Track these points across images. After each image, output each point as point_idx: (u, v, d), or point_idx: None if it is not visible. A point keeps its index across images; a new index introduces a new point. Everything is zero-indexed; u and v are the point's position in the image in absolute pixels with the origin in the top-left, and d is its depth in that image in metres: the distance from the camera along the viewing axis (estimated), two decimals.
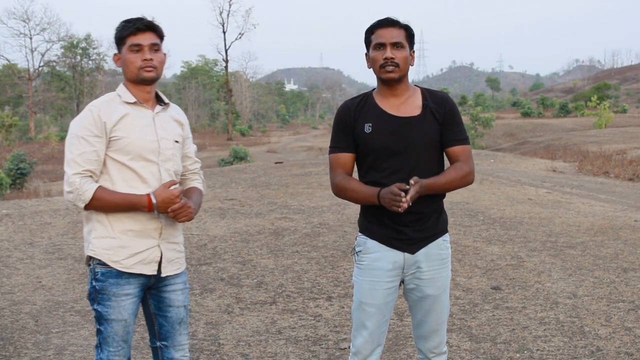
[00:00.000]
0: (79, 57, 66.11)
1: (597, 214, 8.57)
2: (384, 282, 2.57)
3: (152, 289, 2.59)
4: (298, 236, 7.08)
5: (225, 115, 64.99)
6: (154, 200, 2.43)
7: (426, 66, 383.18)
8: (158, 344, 2.65)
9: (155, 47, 2.50)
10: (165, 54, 2.58)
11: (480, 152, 22.07)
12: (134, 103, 2.51)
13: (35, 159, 24.16)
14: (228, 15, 57.15)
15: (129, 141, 2.45)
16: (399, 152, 2.51)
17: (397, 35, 2.51)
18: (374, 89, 2.66)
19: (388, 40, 2.50)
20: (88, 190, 2.39)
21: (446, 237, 2.64)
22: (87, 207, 2.42)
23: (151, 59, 2.47)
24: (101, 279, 2.46)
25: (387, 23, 2.53)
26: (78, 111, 63.93)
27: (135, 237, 2.48)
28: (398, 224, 2.53)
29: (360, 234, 2.67)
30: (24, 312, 4.69)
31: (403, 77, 2.55)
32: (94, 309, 2.50)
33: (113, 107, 2.47)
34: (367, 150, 2.55)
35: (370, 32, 2.56)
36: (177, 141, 2.61)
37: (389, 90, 2.57)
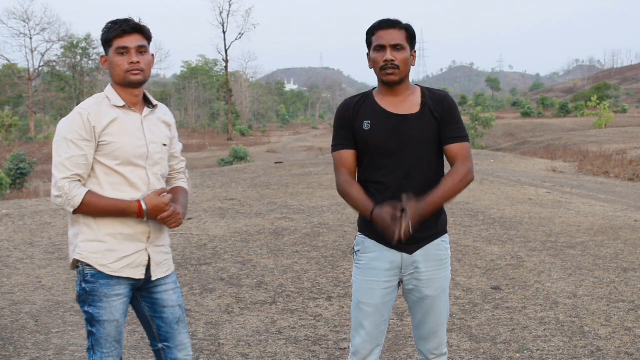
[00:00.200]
0: (79, 57, 66.10)
1: (597, 214, 8.57)
2: (381, 282, 2.57)
3: (142, 292, 2.57)
4: (298, 236, 7.08)
5: (225, 115, 65.00)
6: (144, 207, 2.41)
7: (426, 66, 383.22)
8: (160, 345, 2.63)
9: (143, 50, 2.46)
10: (153, 55, 2.55)
11: (480, 152, 22.07)
12: (123, 107, 2.48)
13: (35, 159, 24.16)
14: (228, 15, 57.22)
15: (117, 146, 2.43)
16: (397, 150, 2.50)
17: (397, 37, 2.50)
18: (374, 88, 2.66)
19: (388, 42, 2.49)
20: (77, 195, 2.36)
21: (445, 237, 2.62)
22: (76, 211, 2.39)
23: (138, 62, 2.44)
24: (91, 281, 2.43)
25: (388, 25, 2.52)
26: None
27: (124, 241, 2.46)
28: None
29: (359, 233, 2.67)
30: (24, 312, 4.69)
31: (404, 79, 2.54)
32: (85, 311, 2.47)
33: (102, 110, 2.44)
34: (366, 147, 2.55)
35: (371, 33, 2.56)
36: (165, 144, 2.59)
37: (389, 90, 2.57)
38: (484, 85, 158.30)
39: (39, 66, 62.15)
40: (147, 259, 2.51)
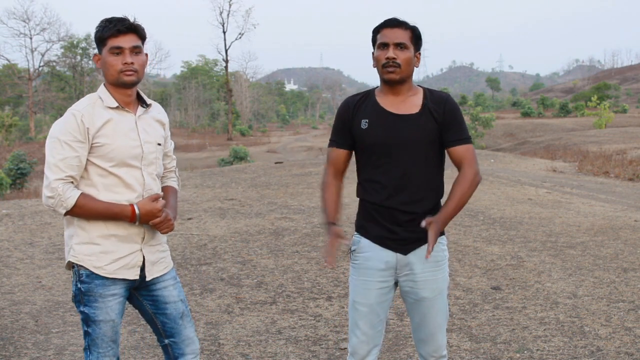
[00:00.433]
0: (79, 57, 66.11)
1: (597, 214, 8.57)
2: (376, 282, 2.56)
3: (142, 291, 2.57)
4: (298, 236, 7.08)
5: (225, 115, 65.01)
6: (137, 212, 2.41)
7: (426, 66, 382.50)
8: (166, 341, 2.63)
9: (137, 50, 2.44)
10: (147, 55, 2.53)
11: (480, 152, 22.07)
12: (116, 107, 2.47)
13: (35, 159, 24.15)
14: (228, 15, 57.22)
15: (112, 148, 2.41)
16: (394, 149, 2.49)
17: (401, 36, 2.49)
18: (377, 87, 2.65)
19: (392, 40, 2.48)
20: (70, 197, 2.35)
21: (442, 239, 2.60)
22: (68, 213, 2.38)
23: (132, 63, 2.42)
24: (87, 281, 2.43)
25: (393, 23, 2.52)
26: None
27: (119, 242, 2.45)
28: (392, 223, 2.52)
29: (355, 232, 2.67)
30: (24, 312, 4.69)
31: (406, 79, 2.52)
32: (81, 311, 2.47)
33: (96, 112, 2.42)
34: (364, 145, 2.55)
35: (376, 31, 2.55)
36: (159, 144, 2.58)
37: (390, 89, 2.56)
38: (484, 85, 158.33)
39: (39, 66, 62.18)
40: (141, 259, 2.51)
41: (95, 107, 2.44)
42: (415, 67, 2.55)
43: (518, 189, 11.13)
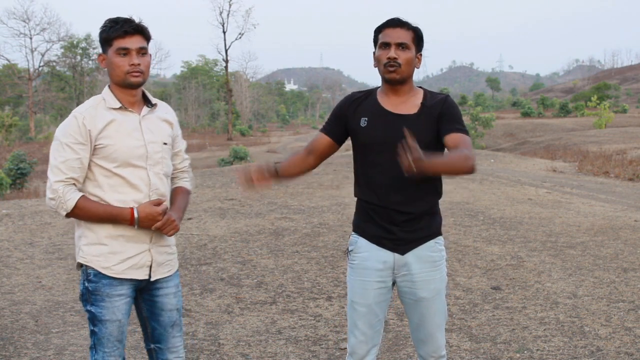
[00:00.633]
0: (79, 57, 66.13)
1: (597, 214, 8.57)
2: (374, 282, 2.55)
3: (144, 293, 2.57)
4: (298, 236, 7.08)
5: (225, 115, 65.02)
6: (136, 215, 2.41)
7: (426, 66, 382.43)
8: (152, 346, 2.65)
9: (143, 51, 2.45)
10: (150, 55, 2.54)
11: (480, 152, 22.07)
12: (119, 108, 2.47)
13: (35, 159, 24.14)
14: (228, 15, 57.19)
15: (115, 149, 2.41)
16: (392, 149, 2.47)
17: (403, 36, 2.49)
18: (379, 87, 2.65)
19: (393, 40, 2.48)
20: (70, 199, 2.36)
21: (439, 239, 2.60)
22: (69, 215, 2.40)
23: (139, 64, 2.42)
24: (94, 280, 2.44)
25: (395, 23, 2.52)
26: None
27: (126, 242, 2.46)
28: (389, 223, 2.52)
29: (353, 232, 2.66)
30: (24, 312, 4.69)
31: (406, 79, 2.52)
32: (87, 310, 2.48)
33: (98, 113, 2.43)
34: (361, 144, 2.55)
35: (378, 31, 2.55)
36: (165, 143, 2.57)
37: (391, 89, 2.56)
38: (484, 85, 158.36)
39: (39, 66, 62.19)
40: (150, 260, 2.51)
41: (98, 108, 2.45)
42: (416, 68, 2.55)
43: (518, 189, 11.13)
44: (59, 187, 2.37)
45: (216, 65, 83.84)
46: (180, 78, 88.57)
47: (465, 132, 2.48)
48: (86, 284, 2.46)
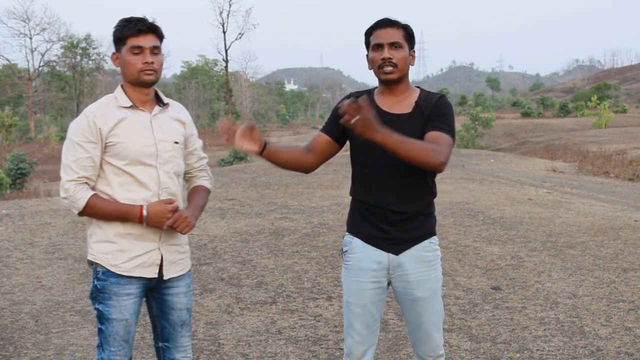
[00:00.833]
0: (79, 57, 66.16)
1: (597, 214, 8.57)
2: (369, 282, 2.55)
3: (154, 291, 2.58)
4: (298, 236, 7.08)
5: (225, 115, 65.01)
6: (144, 213, 2.42)
7: (426, 66, 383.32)
8: (160, 344, 2.66)
9: (156, 50, 2.48)
10: (163, 55, 2.56)
11: (480, 152, 22.07)
12: (130, 107, 2.49)
13: (35, 159, 24.15)
14: (228, 15, 57.15)
15: (124, 146, 2.43)
16: (384, 149, 2.45)
17: (395, 35, 2.49)
18: (377, 88, 2.65)
19: (386, 40, 2.48)
20: (81, 198, 2.38)
21: (434, 239, 2.59)
22: (81, 214, 2.42)
23: (152, 62, 2.45)
24: (102, 278, 2.46)
25: (385, 23, 2.52)
26: (78, 111, 63.91)
27: (135, 240, 2.47)
28: (384, 223, 2.52)
29: (347, 233, 2.66)
30: (24, 312, 4.69)
31: (402, 78, 2.52)
32: (96, 308, 2.49)
33: (109, 112, 2.45)
34: (357, 144, 2.54)
35: (369, 33, 2.56)
36: (176, 142, 2.57)
37: (388, 89, 2.56)
38: (484, 85, 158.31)
39: (39, 66, 62.21)
40: (159, 258, 2.51)
41: (109, 107, 2.48)
42: (410, 65, 2.55)
43: (518, 189, 11.13)
44: (71, 186, 2.40)
45: (216, 65, 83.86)
46: (180, 78, 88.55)
47: (448, 131, 2.44)
48: (95, 282, 2.49)
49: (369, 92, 2.65)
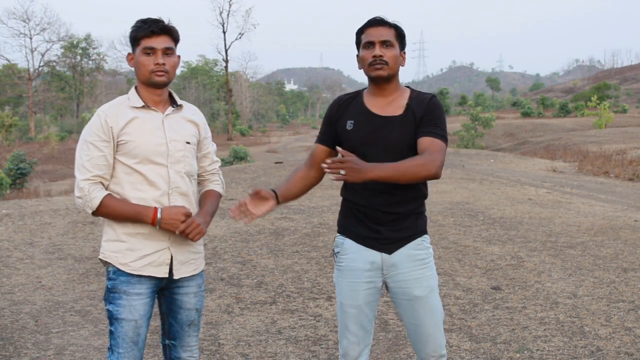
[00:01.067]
0: (79, 57, 66.24)
1: (597, 214, 8.57)
2: (363, 283, 2.54)
3: (165, 290, 2.59)
4: (298, 236, 7.08)
5: (225, 115, 65.02)
6: (158, 216, 2.42)
7: (426, 66, 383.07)
8: (167, 342, 2.66)
9: (169, 52, 2.49)
10: (179, 57, 2.57)
11: (480, 152, 22.08)
12: (142, 107, 2.50)
13: (35, 159, 24.16)
14: (228, 15, 57.20)
15: (135, 145, 2.45)
16: (377, 151, 2.46)
17: (386, 34, 2.49)
18: (366, 88, 2.64)
19: (377, 38, 2.48)
20: (96, 197, 2.40)
21: (425, 237, 2.59)
22: (95, 213, 2.43)
23: (163, 64, 2.46)
24: (113, 277, 2.47)
25: (376, 22, 2.52)
26: (78, 111, 64.07)
27: (144, 240, 2.47)
28: (375, 223, 2.51)
29: (338, 234, 2.66)
30: (24, 312, 4.69)
31: (392, 77, 2.52)
32: (107, 309, 2.50)
33: (121, 111, 2.48)
34: (348, 146, 2.53)
35: (360, 32, 2.55)
36: (188, 142, 2.58)
37: (378, 89, 2.55)
38: (484, 85, 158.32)
39: (39, 66, 62.24)
40: (169, 257, 2.51)
41: (122, 106, 2.50)
42: (401, 66, 2.55)
43: (518, 189, 11.13)
44: (85, 185, 2.41)
45: (216, 65, 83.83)
46: (180, 78, 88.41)
47: (440, 136, 2.44)
48: (107, 282, 2.49)
49: (358, 93, 2.64)
